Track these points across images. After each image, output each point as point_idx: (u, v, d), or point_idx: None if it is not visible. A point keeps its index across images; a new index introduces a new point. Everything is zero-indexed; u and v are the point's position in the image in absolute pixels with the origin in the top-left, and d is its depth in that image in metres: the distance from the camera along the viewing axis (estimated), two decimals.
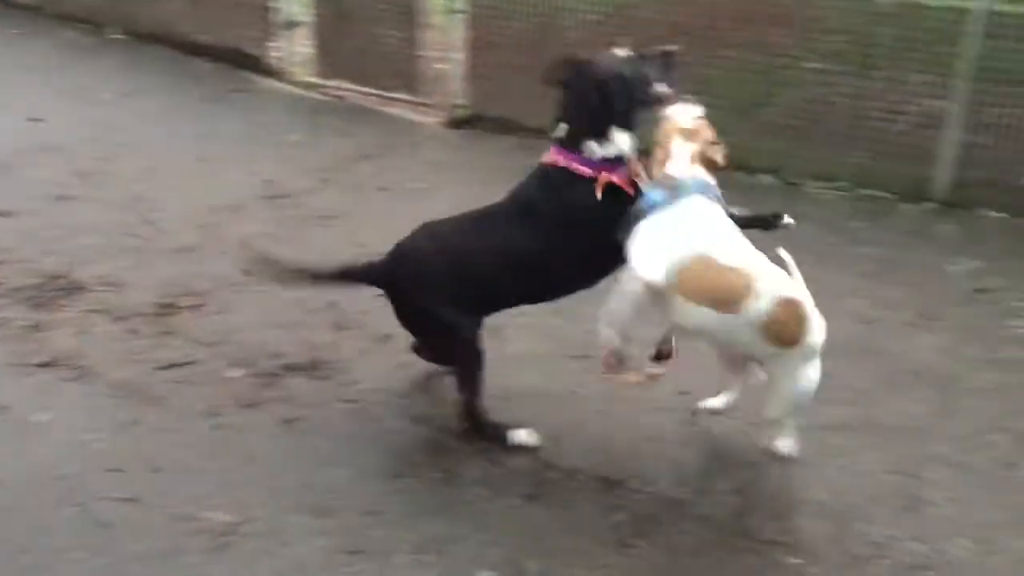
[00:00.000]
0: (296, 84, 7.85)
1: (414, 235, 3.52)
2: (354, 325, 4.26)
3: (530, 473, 3.29)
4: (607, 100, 3.18)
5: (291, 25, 7.80)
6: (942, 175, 5.59)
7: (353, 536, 2.97)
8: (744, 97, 6.16)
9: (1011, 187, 5.45)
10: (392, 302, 3.52)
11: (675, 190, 3.04)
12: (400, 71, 7.30)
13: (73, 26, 9.15)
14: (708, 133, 3.13)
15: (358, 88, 7.54)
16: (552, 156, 3.32)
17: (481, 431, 3.44)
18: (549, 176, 3.32)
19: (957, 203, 5.54)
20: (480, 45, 6.93)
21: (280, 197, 5.65)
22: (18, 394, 3.64)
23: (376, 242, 4.97)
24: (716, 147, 3.12)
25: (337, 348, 4.08)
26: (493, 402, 3.67)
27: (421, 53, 7.20)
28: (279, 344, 4.08)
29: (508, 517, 3.08)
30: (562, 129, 3.29)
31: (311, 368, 3.92)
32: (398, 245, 3.52)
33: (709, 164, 3.11)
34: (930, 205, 5.56)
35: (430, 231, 3.51)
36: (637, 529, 3.03)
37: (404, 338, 4.13)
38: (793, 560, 2.89)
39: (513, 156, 6.41)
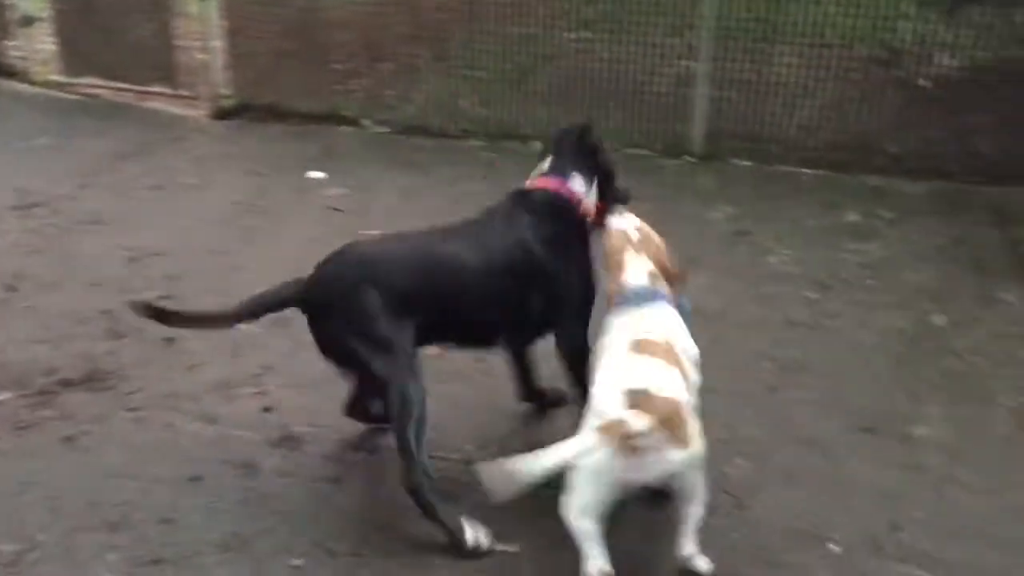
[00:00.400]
0: (41, 84, 7.30)
1: (352, 246, 3.07)
2: (132, 331, 4.05)
3: (333, 457, 3.28)
4: (601, 155, 3.27)
5: (28, 21, 7.24)
6: (697, 131, 5.99)
7: (151, 546, 2.85)
8: (511, 69, 6.33)
9: (756, 137, 5.92)
10: (318, 327, 3.02)
11: (635, 298, 2.86)
12: (156, 64, 6.96)
13: None
14: (656, 240, 3.01)
15: (111, 84, 7.11)
16: (542, 182, 3.17)
17: (428, 512, 2.89)
18: (540, 198, 3.14)
19: (712, 156, 5.95)
20: (240, 32, 6.72)
21: (35, 206, 5.26)
22: None
23: (152, 243, 4.78)
24: (668, 257, 3.02)
25: (116, 357, 3.87)
26: (290, 391, 3.64)
27: (178, 43, 6.88)
28: (52, 360, 3.83)
29: (314, 503, 3.06)
30: (553, 162, 3.20)
31: (89, 380, 3.71)
32: (336, 254, 3.04)
33: (667, 275, 2.96)
34: (689, 159, 5.94)
35: (376, 241, 3.16)
36: (446, 495, 3.07)
37: (188, 339, 3.99)
38: None
39: (284, 143, 6.29)
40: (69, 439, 3.37)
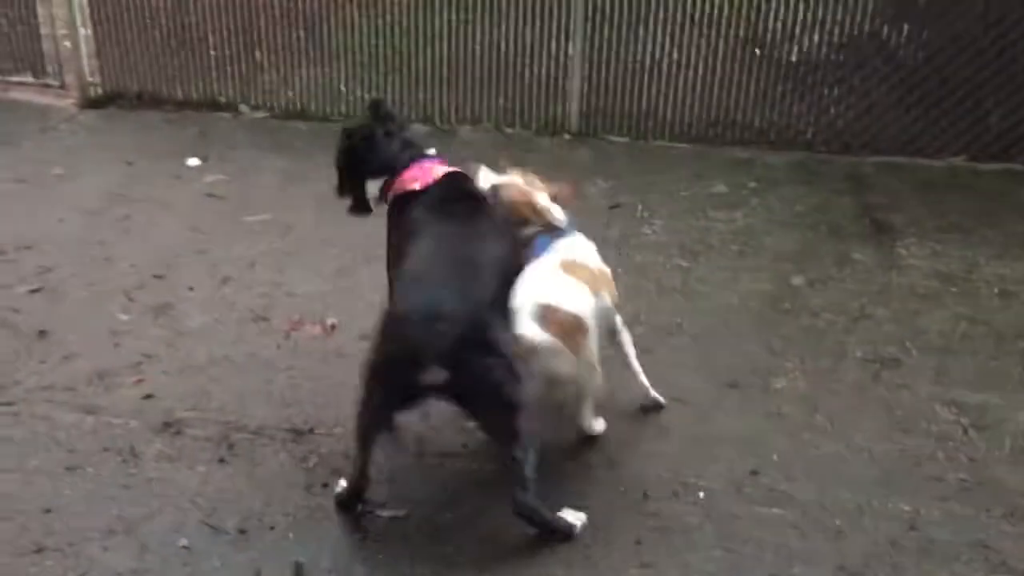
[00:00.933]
0: None
1: (430, 288, 2.78)
2: (4, 325, 3.96)
3: (216, 439, 3.29)
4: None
5: None
6: (573, 109, 6.15)
7: (33, 535, 2.84)
8: (393, 52, 6.35)
9: (632, 114, 6.12)
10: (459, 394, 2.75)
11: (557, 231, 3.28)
12: (19, 53, 6.71)
13: None
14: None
15: None
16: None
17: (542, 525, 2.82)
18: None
19: (589, 133, 6.13)
20: (108, 18, 6.53)
21: None
22: None
23: (20, 236, 4.66)
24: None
25: None
26: (171, 378, 3.63)
27: (43, 31, 6.65)
28: None
29: (201, 484, 3.08)
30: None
31: None
32: (428, 309, 2.69)
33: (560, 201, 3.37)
34: (566, 136, 6.10)
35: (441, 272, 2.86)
36: (331, 469, 3.14)
37: (63, 331, 3.93)
38: (475, 466, 3.16)
39: (158, 130, 6.19)
40: None
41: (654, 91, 6.11)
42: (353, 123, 3.44)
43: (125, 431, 3.33)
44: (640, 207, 5.12)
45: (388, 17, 6.33)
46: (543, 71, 6.21)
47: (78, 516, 2.93)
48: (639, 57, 6.10)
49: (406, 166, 3.22)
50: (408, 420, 3.29)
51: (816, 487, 3.07)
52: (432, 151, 3.32)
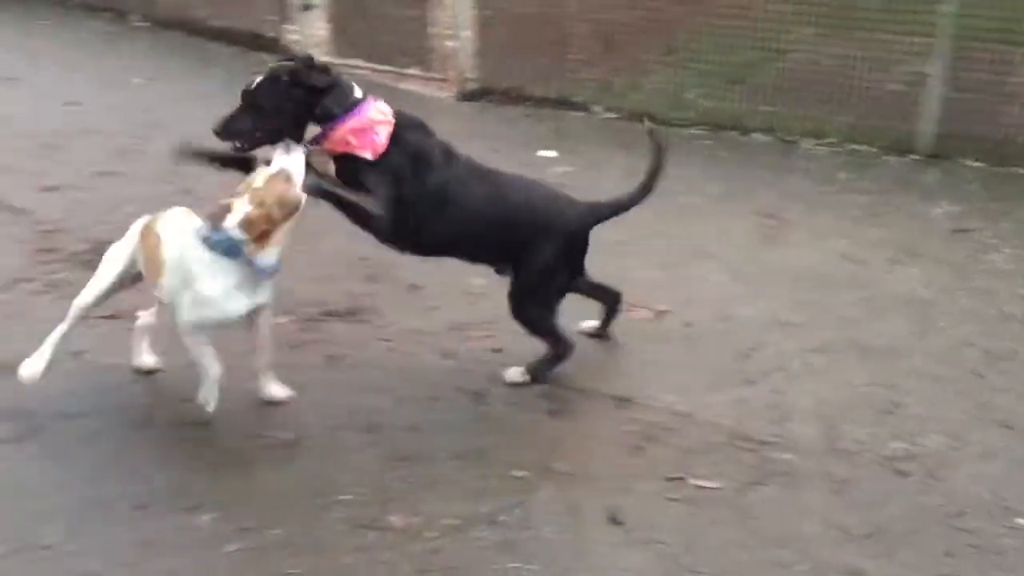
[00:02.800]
0: None
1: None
2: (386, 277, 4.66)
3: (551, 394, 3.70)
4: None
5: (307, 7, 8.17)
6: (926, 130, 5.97)
7: (400, 446, 3.39)
8: (737, 63, 6.54)
9: (991, 139, 5.83)
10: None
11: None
12: (413, 49, 7.70)
13: (97, 15, 9.59)
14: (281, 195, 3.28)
15: (373, 66, 7.92)
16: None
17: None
18: None
19: (940, 155, 5.92)
20: (488, 22, 7.31)
21: None
22: (92, 342, 4.02)
23: None
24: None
25: (372, 297, 4.48)
26: (518, 338, 4.09)
27: (432, 31, 7.58)
28: (320, 295, 4.48)
29: (535, 429, 3.50)
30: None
31: (349, 314, 4.33)
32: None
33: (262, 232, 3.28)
34: (914, 157, 5.94)
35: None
36: (647, 436, 3.43)
37: (431, 286, 4.55)
38: (786, 455, 3.30)
39: (520, 123, 6.83)
40: (332, 358, 3.99)
41: (1021, 117, 5.77)
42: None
43: (475, 375, 3.82)
44: (989, 233, 4.91)
45: (739, 29, 6.51)
46: (895, 89, 6.09)
47: (436, 437, 3.44)
48: (1009, 81, 5.79)
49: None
50: None
51: None
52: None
